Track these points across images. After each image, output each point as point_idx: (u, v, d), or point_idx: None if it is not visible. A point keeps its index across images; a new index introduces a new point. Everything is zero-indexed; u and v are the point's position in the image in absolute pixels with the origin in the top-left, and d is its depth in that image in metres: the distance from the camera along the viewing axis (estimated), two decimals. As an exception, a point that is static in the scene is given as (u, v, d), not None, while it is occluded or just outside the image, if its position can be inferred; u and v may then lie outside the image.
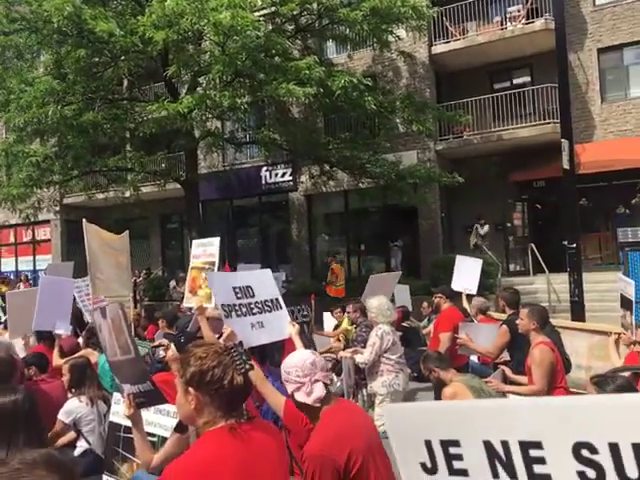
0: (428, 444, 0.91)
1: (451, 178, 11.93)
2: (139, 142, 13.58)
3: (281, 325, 3.71)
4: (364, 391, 5.12)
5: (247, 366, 1.77)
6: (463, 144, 14.22)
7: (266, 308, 3.74)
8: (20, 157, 11.03)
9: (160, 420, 3.72)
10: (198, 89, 11.53)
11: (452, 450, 0.88)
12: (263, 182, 16.43)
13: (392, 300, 7.63)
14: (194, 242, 4.11)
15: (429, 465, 0.92)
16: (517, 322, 4.30)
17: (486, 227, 13.66)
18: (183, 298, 13.15)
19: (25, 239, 21.46)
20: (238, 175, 16.75)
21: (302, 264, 16.30)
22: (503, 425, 0.82)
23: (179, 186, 14.11)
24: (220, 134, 13.98)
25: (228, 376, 1.71)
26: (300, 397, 2.40)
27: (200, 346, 1.84)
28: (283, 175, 16.18)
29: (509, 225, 14.98)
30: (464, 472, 0.87)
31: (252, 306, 3.67)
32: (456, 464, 0.88)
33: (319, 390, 2.37)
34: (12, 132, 11.61)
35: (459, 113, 12.69)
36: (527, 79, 14.73)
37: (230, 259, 14.47)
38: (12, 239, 21.83)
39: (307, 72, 9.61)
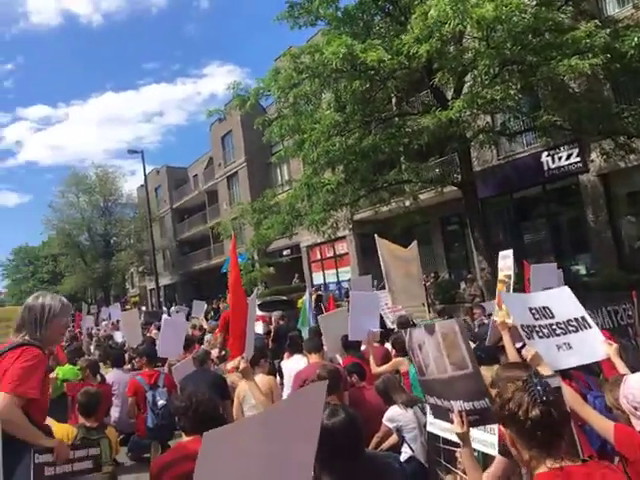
0: None
1: None
2: (412, 154, 14.15)
3: (592, 345, 3.33)
4: None
5: (544, 398, 1.66)
6: None
7: (571, 328, 3.40)
8: (318, 187, 12.74)
9: (478, 435, 3.72)
10: (464, 88, 11.41)
11: None
12: (545, 168, 15.11)
13: None
14: (500, 254, 4.07)
15: None
16: None
17: None
18: (473, 300, 13.05)
19: (328, 255, 24.78)
20: (515, 166, 15.84)
21: (605, 253, 14.29)
22: None
23: (455, 187, 14.15)
24: (491, 128, 13.47)
25: (522, 408, 1.65)
26: None
27: (504, 377, 1.83)
28: (568, 157, 14.57)
29: None
30: None
31: (554, 327, 3.38)
32: None
33: None
34: (308, 166, 13.50)
35: None
36: None
37: (517, 256, 13.65)
38: (319, 256, 25.48)
39: (587, 41, 8.46)
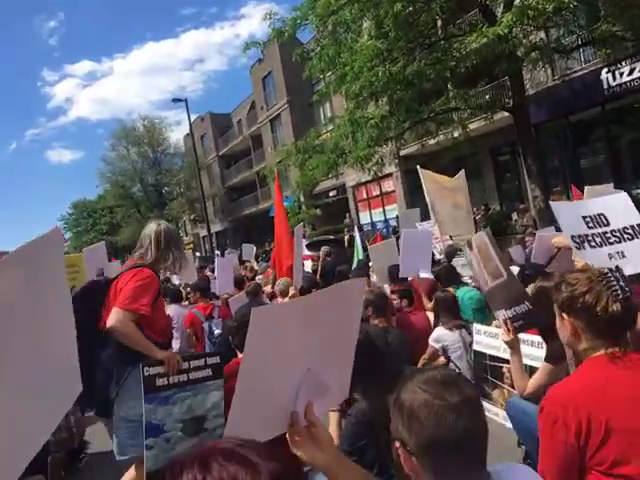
0: None
1: None
2: (459, 79, 13.46)
3: None
4: None
5: (626, 293, 1.63)
6: None
7: (626, 236, 3.25)
8: (361, 122, 12.43)
9: (525, 350, 3.72)
10: (515, 3, 10.59)
11: None
12: (605, 87, 14.04)
13: None
14: None
15: None
16: None
17: None
18: (525, 231, 12.68)
19: (374, 193, 24.52)
20: (571, 86, 14.82)
21: (670, 176, 13.43)
22: None
23: (506, 114, 13.46)
24: (546, 45, 12.55)
25: (602, 302, 1.62)
26: None
27: (572, 272, 1.76)
28: (631, 72, 13.44)
29: None
30: None
31: (608, 235, 3.24)
32: None
33: None
34: (351, 101, 13.11)
35: None
36: None
37: (573, 182, 13.12)
38: (365, 195, 25.25)
39: None
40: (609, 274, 1.66)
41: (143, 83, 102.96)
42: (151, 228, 3.22)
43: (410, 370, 2.27)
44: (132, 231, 41.75)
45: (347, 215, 25.03)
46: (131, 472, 3.03)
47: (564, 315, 1.73)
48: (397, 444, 1.19)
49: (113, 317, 2.79)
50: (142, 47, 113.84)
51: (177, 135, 63.37)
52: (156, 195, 41.98)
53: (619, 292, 1.62)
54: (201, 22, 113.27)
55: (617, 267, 1.71)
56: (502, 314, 2.75)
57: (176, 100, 29.25)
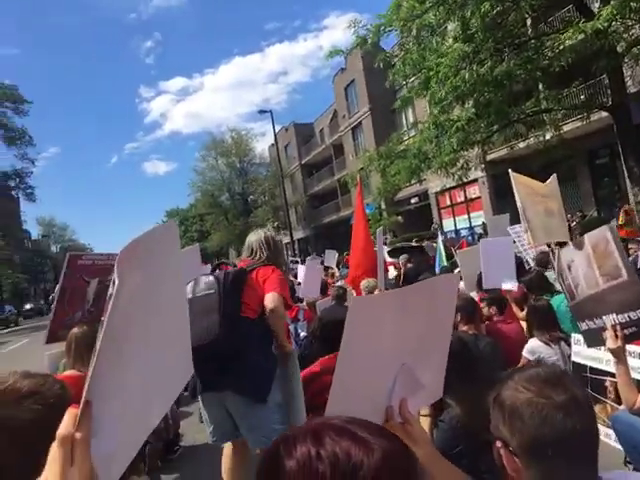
0: None
1: None
2: (551, 79, 12.81)
3: None
4: None
5: None
6: None
7: None
8: (446, 125, 12.14)
9: (633, 362, 3.44)
10: (614, -4, 9.93)
11: None
12: None
13: None
14: None
15: None
16: None
17: None
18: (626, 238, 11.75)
19: (459, 199, 23.83)
20: (680, 82, 13.61)
21: None
22: None
23: (604, 115, 12.58)
24: (650, 39, 11.62)
25: None
26: None
27: None
28: None
29: None
30: None
31: None
32: None
33: None
34: (435, 105, 12.85)
35: None
36: None
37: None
38: (448, 202, 24.61)
39: None
40: None
41: (231, 97, 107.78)
42: (259, 234, 3.29)
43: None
44: (220, 238, 43.69)
45: (434, 221, 24.46)
46: (227, 456, 3.11)
47: None
48: (499, 444, 1.15)
49: (274, 299, 2.87)
50: (230, 62, 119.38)
51: (262, 145, 65.55)
52: (242, 203, 43.64)
53: None
54: (285, 35, 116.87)
55: None
56: (611, 319, 2.51)
57: (262, 112, 30.34)
